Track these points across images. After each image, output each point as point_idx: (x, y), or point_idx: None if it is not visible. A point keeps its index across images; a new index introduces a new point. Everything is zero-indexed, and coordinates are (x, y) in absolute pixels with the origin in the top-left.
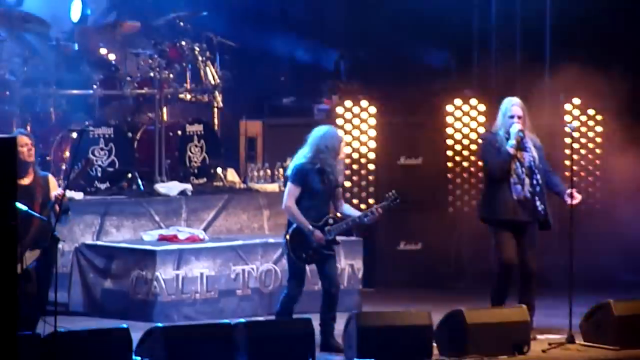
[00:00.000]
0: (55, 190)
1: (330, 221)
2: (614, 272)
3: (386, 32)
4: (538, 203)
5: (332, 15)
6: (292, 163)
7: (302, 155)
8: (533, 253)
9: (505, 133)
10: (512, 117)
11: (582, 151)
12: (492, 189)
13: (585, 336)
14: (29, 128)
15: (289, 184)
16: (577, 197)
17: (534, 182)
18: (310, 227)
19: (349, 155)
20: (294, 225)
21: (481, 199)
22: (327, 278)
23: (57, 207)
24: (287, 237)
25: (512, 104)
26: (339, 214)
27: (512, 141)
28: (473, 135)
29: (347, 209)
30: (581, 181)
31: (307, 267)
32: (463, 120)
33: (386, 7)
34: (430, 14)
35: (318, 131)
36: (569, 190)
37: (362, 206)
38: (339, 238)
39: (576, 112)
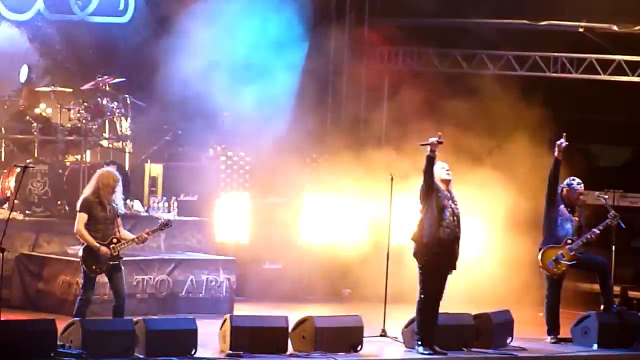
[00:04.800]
0: None
1: (115, 240)
2: None
3: None
4: None
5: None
6: (81, 196)
7: (87, 190)
8: None
9: None
10: None
11: None
12: None
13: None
14: None
15: (78, 213)
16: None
17: None
18: (97, 244)
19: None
20: (85, 244)
21: None
22: (116, 290)
23: None
24: (81, 253)
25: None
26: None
27: None
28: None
29: (125, 232)
30: None
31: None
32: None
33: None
34: None
35: (99, 173)
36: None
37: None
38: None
39: None
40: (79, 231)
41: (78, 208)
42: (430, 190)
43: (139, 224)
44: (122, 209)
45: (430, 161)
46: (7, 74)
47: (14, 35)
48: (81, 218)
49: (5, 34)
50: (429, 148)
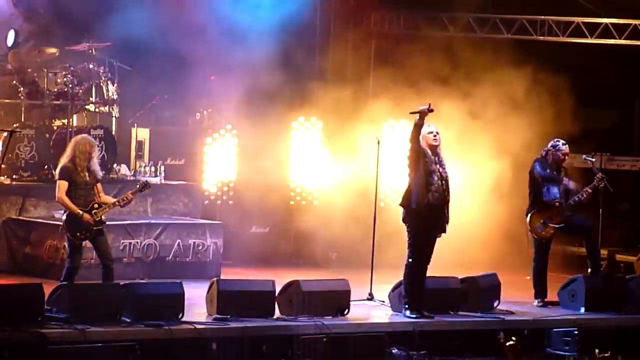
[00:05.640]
0: None
1: (96, 206)
2: None
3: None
4: None
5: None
6: (59, 164)
7: (65, 158)
8: None
9: None
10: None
11: None
12: None
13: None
14: None
15: (58, 181)
16: None
17: None
18: (80, 211)
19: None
20: (68, 212)
21: None
22: (102, 253)
23: None
24: (64, 221)
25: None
26: (101, 201)
27: None
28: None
29: (105, 197)
30: None
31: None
32: (305, 135)
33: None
34: None
35: (75, 140)
36: None
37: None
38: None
39: None
40: (60, 199)
41: (57, 176)
42: (418, 156)
43: (126, 189)
44: (100, 174)
45: (418, 129)
46: None
47: None
48: (62, 186)
49: None
50: (418, 116)
